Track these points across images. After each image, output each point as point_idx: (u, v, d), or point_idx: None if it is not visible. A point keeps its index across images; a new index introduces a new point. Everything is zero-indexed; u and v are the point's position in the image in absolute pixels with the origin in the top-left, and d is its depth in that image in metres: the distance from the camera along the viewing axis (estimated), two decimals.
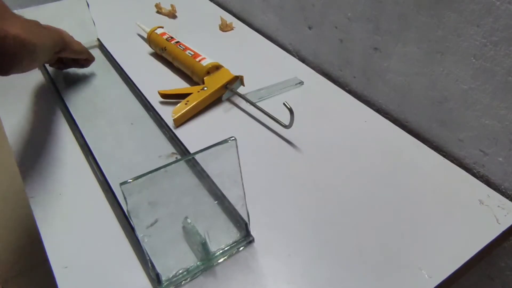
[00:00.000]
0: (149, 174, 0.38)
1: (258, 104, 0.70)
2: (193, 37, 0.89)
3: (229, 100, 0.75)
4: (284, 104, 0.62)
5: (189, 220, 0.47)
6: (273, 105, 0.69)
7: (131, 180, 0.37)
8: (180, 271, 0.46)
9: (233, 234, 0.50)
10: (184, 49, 0.79)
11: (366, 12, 0.68)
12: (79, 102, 0.73)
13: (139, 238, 0.41)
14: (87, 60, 0.78)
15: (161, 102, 0.73)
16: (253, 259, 0.49)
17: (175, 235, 0.48)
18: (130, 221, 0.41)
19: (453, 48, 0.57)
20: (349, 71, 0.77)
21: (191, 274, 0.47)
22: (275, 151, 0.64)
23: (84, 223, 0.53)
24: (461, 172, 0.60)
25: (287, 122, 0.64)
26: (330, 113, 0.71)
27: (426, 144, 0.64)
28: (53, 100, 0.74)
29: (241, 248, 0.50)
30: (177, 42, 0.81)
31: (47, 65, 0.80)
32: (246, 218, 0.49)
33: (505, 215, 0.53)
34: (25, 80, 0.76)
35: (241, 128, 0.68)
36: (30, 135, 0.66)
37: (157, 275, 0.44)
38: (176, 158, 0.62)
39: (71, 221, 0.53)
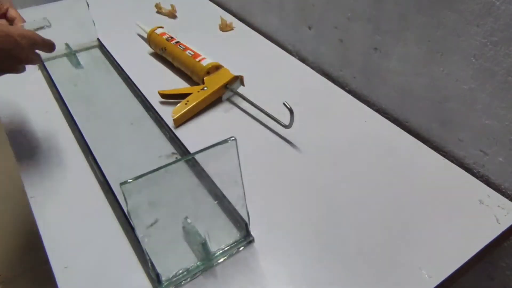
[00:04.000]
0: (149, 174, 0.38)
1: (258, 104, 0.70)
2: (193, 37, 0.88)
3: (229, 100, 0.75)
4: (284, 104, 0.62)
5: (189, 220, 0.47)
6: (273, 105, 0.69)
7: (131, 180, 0.37)
8: (180, 271, 0.46)
9: (233, 234, 0.50)
10: (184, 49, 0.79)
11: (366, 12, 0.68)
12: (79, 102, 0.73)
13: (139, 238, 0.41)
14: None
15: (161, 102, 0.73)
16: (253, 259, 0.49)
17: (175, 235, 0.48)
18: (130, 221, 0.41)
19: (453, 48, 0.56)
20: (349, 71, 0.77)
21: (191, 274, 0.47)
22: (275, 151, 0.64)
23: (84, 224, 0.53)
24: (461, 172, 0.60)
25: (287, 122, 0.64)
26: (330, 113, 0.71)
27: (426, 144, 0.64)
28: (53, 100, 0.74)
29: (241, 248, 0.49)
30: (177, 42, 0.81)
31: (46, 65, 0.80)
32: (246, 218, 0.49)
33: (505, 215, 0.53)
34: (24, 80, 0.76)
35: (241, 128, 0.68)
36: (30, 135, 0.66)
37: (157, 275, 0.44)
38: (176, 158, 0.62)
39: (71, 221, 0.53)
